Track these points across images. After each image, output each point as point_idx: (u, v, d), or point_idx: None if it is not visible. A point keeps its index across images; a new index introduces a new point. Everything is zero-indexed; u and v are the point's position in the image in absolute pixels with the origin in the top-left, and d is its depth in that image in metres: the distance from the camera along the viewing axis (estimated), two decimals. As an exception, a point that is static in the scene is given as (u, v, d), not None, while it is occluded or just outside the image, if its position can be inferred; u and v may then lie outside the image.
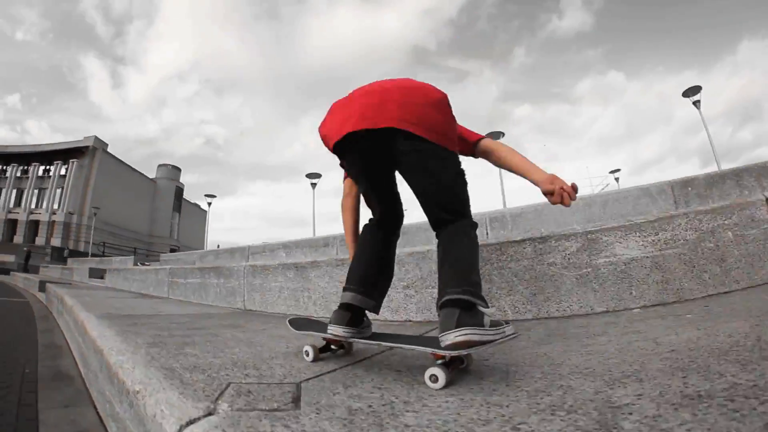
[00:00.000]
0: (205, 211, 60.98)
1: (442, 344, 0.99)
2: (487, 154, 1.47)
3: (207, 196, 27.08)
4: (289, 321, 1.54)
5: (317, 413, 0.80)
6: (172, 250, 35.53)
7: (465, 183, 1.30)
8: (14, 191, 40.76)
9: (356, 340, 1.29)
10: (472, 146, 1.48)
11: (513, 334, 1.11)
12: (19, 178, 40.99)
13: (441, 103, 1.27)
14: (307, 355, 1.30)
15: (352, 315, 1.26)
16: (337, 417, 0.78)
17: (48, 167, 40.29)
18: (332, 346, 1.38)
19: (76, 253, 30.92)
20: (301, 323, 1.56)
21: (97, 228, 32.36)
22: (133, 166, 46.42)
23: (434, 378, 0.95)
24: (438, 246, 1.24)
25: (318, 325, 1.46)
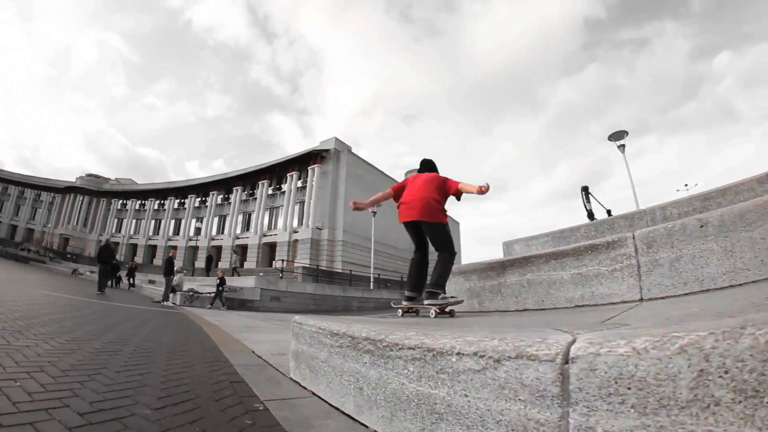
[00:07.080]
0: (458, 223, 49.68)
1: (426, 302, 3.15)
2: (459, 192, 3.29)
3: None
4: (392, 303, 4.05)
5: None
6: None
7: (448, 233, 3.26)
8: (241, 216, 36.35)
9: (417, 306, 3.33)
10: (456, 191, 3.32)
11: (457, 302, 3.16)
12: (245, 201, 35.84)
13: (441, 185, 3.34)
14: (400, 313, 3.45)
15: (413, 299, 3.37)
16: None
17: (279, 185, 33.65)
18: (408, 311, 3.44)
19: (332, 275, 20.45)
20: (397, 303, 3.65)
21: (353, 244, 20.77)
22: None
23: (433, 313, 3.07)
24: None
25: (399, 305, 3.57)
